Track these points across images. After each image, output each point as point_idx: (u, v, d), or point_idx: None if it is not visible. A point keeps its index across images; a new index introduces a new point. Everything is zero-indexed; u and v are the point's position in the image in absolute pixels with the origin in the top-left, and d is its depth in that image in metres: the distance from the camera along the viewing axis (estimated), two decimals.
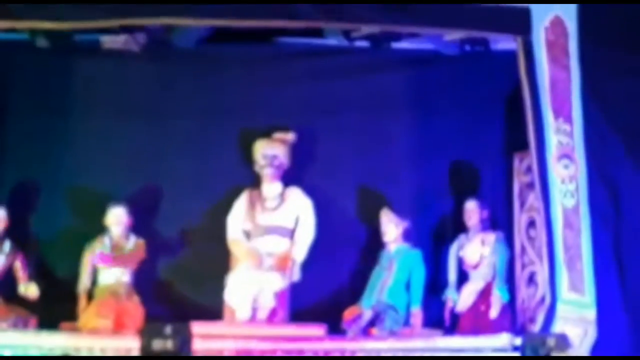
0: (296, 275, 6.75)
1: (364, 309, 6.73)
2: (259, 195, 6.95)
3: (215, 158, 7.11)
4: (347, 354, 6.21)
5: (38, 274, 6.79)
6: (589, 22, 6.64)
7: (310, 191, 7.02)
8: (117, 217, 6.77)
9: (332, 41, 7.18)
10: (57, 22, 6.41)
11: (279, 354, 6.06)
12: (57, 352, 5.74)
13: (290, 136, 7.02)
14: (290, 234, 6.91)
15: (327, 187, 7.15)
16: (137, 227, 6.83)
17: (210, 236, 7.00)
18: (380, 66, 7.28)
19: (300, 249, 6.82)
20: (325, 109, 7.25)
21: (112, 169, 7.02)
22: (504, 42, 6.84)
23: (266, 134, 7.01)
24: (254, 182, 7.01)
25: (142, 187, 7.00)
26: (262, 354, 5.81)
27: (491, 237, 6.83)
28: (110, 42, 6.98)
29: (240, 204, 6.96)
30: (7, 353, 6.06)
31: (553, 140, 6.55)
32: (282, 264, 6.80)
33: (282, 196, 6.95)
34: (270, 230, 6.87)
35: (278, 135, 7.01)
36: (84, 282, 6.73)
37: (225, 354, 5.98)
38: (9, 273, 6.73)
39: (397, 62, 7.25)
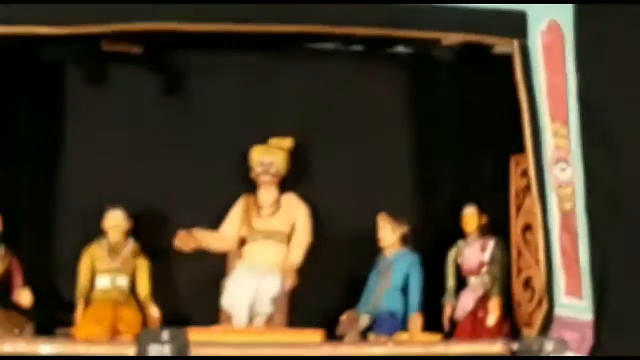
0: (292, 281, 6.73)
1: (361, 315, 6.72)
2: (255, 201, 6.95)
3: (213, 164, 7.10)
4: None
5: (34, 279, 6.77)
6: (586, 27, 6.65)
7: (306, 197, 7.02)
8: (115, 221, 6.74)
9: (327, 45, 7.17)
10: (54, 27, 6.39)
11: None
12: None
13: (288, 143, 7.02)
14: (287, 239, 6.90)
15: (324, 192, 7.15)
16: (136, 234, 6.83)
17: None
18: (376, 70, 7.27)
19: (297, 254, 6.81)
20: (321, 114, 7.25)
21: (110, 173, 7.00)
22: (500, 46, 6.84)
23: (263, 140, 7.00)
24: (251, 188, 6.99)
25: (142, 194, 6.99)
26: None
27: (490, 242, 6.82)
28: (110, 44, 6.97)
29: (237, 210, 6.95)
30: None
31: (550, 144, 6.56)
32: (280, 269, 6.79)
33: (278, 203, 6.95)
34: (267, 235, 6.86)
35: (275, 142, 7.00)
36: (81, 287, 6.71)
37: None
38: (4, 278, 6.70)
39: (393, 66, 7.24)
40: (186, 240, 6.68)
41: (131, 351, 5.62)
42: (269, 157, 6.94)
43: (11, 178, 6.90)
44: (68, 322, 6.63)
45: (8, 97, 6.94)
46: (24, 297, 6.59)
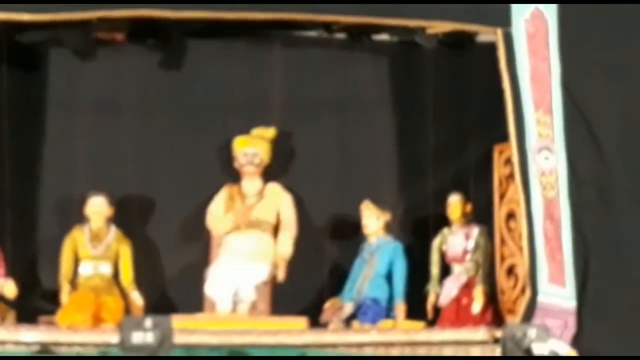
0: (283, 273, 6.71)
1: (345, 302, 6.72)
2: (239, 191, 6.94)
3: (195, 155, 7.07)
4: (328, 347, 6.19)
5: (16, 267, 6.73)
6: (569, 15, 6.66)
7: (290, 185, 7.01)
8: (97, 207, 6.70)
9: (311, 33, 7.16)
10: (36, 14, 6.35)
11: (260, 347, 6.03)
12: (35, 347, 5.68)
13: (271, 133, 7.00)
14: (271, 228, 6.89)
15: (307, 181, 7.14)
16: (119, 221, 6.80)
17: (190, 230, 6.96)
18: (360, 59, 7.26)
19: (286, 246, 6.79)
20: (304, 102, 7.24)
21: (94, 163, 6.97)
22: (484, 35, 6.84)
23: (246, 131, 6.98)
24: (235, 178, 6.98)
25: (124, 180, 6.96)
26: (243, 347, 5.78)
27: (475, 230, 6.83)
28: (95, 30, 6.93)
29: (220, 199, 6.93)
30: None
31: (533, 132, 6.57)
32: (263, 257, 6.77)
33: (261, 192, 6.94)
34: (251, 224, 6.84)
35: (258, 132, 6.99)
36: (64, 273, 6.66)
37: (206, 347, 5.94)
38: None
39: (377, 54, 7.24)
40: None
41: (114, 338, 5.58)
42: (253, 148, 6.93)
43: None
44: (50, 310, 6.59)
45: None
46: (8, 289, 6.53)
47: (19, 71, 6.98)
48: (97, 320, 6.47)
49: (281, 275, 6.71)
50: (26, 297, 6.69)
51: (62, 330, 6.23)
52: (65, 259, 6.69)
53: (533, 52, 6.61)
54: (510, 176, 6.71)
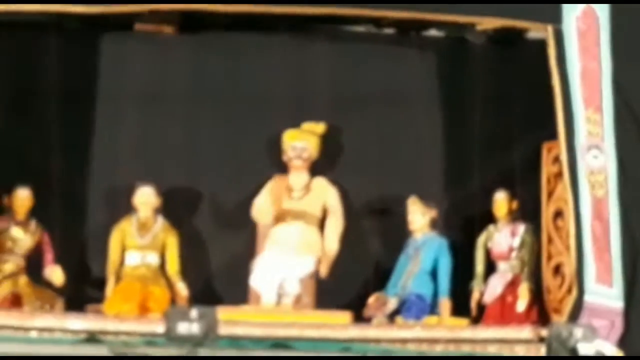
0: (327, 269, 6.72)
1: (389, 297, 6.72)
2: (286, 184, 6.95)
3: (243, 147, 7.10)
4: (371, 342, 6.18)
5: (64, 255, 6.81)
6: (621, 13, 6.59)
7: (337, 180, 7.01)
8: (145, 197, 6.75)
9: (359, 28, 7.15)
10: (87, 5, 6.41)
11: (303, 340, 6.05)
12: (83, 336, 5.75)
13: (321, 128, 7.01)
14: (317, 221, 6.90)
15: (353, 176, 7.14)
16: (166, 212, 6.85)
17: (237, 222, 6.99)
18: (408, 54, 7.24)
19: (333, 242, 6.78)
20: (351, 97, 7.23)
21: (142, 154, 7.03)
22: (534, 31, 6.79)
23: (292, 124, 6.99)
24: (282, 171, 6.99)
25: (172, 171, 7.01)
26: (286, 339, 5.80)
27: (521, 228, 6.79)
28: (142, 24, 6.99)
29: (267, 191, 6.96)
30: (32, 335, 6.08)
31: (583, 131, 6.51)
32: (308, 250, 6.79)
33: (308, 186, 6.95)
34: (297, 216, 6.86)
35: (308, 126, 7.00)
36: (111, 263, 6.72)
37: (250, 339, 5.96)
38: (35, 254, 6.74)
39: (425, 49, 7.21)
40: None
41: (160, 328, 5.63)
42: (302, 142, 6.94)
43: (42, 154, 6.94)
44: (98, 298, 6.67)
45: (37, 76, 6.97)
46: (56, 276, 6.63)
47: (69, 62, 7.06)
48: (143, 310, 6.52)
49: (324, 271, 6.72)
50: (74, 286, 6.77)
51: (109, 319, 6.29)
52: (113, 249, 6.75)
53: (584, 49, 6.55)
54: (559, 174, 6.66)
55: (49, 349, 5.12)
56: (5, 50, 6.81)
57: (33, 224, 6.73)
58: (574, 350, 5.74)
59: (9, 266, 6.63)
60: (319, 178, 6.99)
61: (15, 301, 6.55)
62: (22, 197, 6.69)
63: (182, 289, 6.70)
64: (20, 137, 6.91)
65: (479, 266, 6.84)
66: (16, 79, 6.86)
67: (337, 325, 6.36)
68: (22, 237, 6.68)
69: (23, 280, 6.63)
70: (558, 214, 6.71)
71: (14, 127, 6.87)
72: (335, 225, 6.85)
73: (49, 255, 6.71)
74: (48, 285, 6.69)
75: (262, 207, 6.91)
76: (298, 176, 6.95)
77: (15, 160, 6.85)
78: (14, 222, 6.69)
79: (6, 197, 6.71)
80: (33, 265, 6.71)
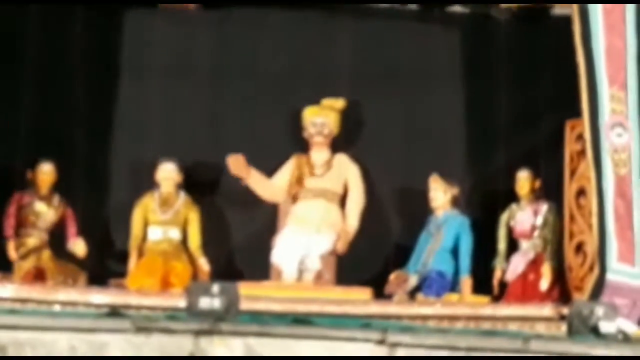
0: (345, 245, 6.72)
1: (410, 274, 6.72)
2: (307, 160, 6.96)
3: (265, 123, 7.10)
4: (392, 319, 6.19)
5: (87, 229, 6.85)
6: None
7: (357, 157, 7.00)
8: (167, 172, 6.77)
9: (382, 4, 7.11)
10: None
11: (324, 316, 6.06)
12: (105, 310, 5.80)
13: (340, 104, 7.00)
14: (338, 198, 6.91)
15: (375, 153, 7.13)
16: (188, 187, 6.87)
17: (258, 198, 7.00)
18: (431, 30, 7.20)
19: (354, 219, 6.79)
20: (376, 75, 7.21)
21: (165, 129, 7.05)
22: (559, 8, 6.72)
23: (315, 101, 6.99)
24: (304, 148, 7.00)
25: (195, 147, 7.02)
26: (307, 315, 5.82)
27: (543, 206, 6.76)
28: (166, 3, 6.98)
29: (288, 168, 6.97)
30: (56, 308, 6.14)
31: (607, 108, 6.45)
32: (330, 227, 6.80)
33: (329, 163, 6.95)
34: (318, 193, 6.87)
35: (328, 102, 6.99)
36: (134, 238, 6.76)
37: (271, 314, 5.99)
38: (58, 229, 6.79)
39: (449, 25, 7.17)
40: (237, 164, 6.68)
41: (181, 303, 5.67)
42: (322, 118, 6.94)
43: (66, 128, 6.98)
44: (121, 272, 6.72)
45: (63, 52, 6.99)
46: (79, 247, 6.69)
47: (94, 38, 7.08)
48: (165, 285, 6.57)
49: (341, 247, 6.72)
50: (97, 260, 6.83)
51: (132, 294, 6.35)
52: (135, 224, 6.79)
53: (609, 27, 6.47)
54: (582, 152, 6.61)
55: (71, 322, 5.16)
56: (32, 27, 6.83)
57: (56, 199, 6.78)
58: (595, 328, 5.71)
59: (33, 240, 6.69)
60: (340, 155, 6.99)
61: (39, 275, 6.61)
62: (46, 172, 6.73)
63: (204, 264, 6.74)
64: (44, 112, 6.94)
65: (501, 244, 6.83)
66: (42, 55, 6.89)
67: (357, 301, 6.38)
68: (46, 212, 6.73)
69: (46, 254, 6.69)
70: (581, 192, 6.67)
71: (39, 103, 6.90)
72: (357, 202, 6.86)
73: (72, 229, 6.76)
74: (71, 259, 6.74)
75: (282, 180, 6.90)
76: (319, 153, 6.96)
77: (39, 135, 6.89)
78: (37, 196, 6.75)
79: (30, 172, 6.76)
80: (56, 240, 6.77)
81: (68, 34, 7.00)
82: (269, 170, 7.01)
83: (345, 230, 6.77)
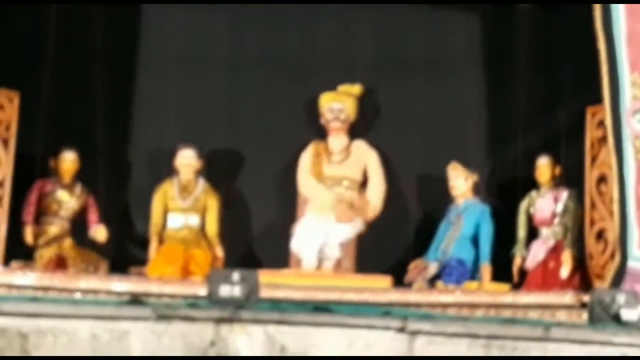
0: (362, 227, 6.72)
1: (430, 262, 6.71)
2: (325, 148, 6.96)
3: (283, 111, 7.10)
4: (412, 307, 6.19)
5: (108, 217, 6.87)
6: None
7: (377, 144, 6.99)
8: (186, 159, 6.78)
9: None
10: None
11: (344, 304, 6.07)
12: (126, 298, 5.82)
13: (357, 89, 6.99)
14: (357, 185, 6.90)
15: (394, 140, 7.12)
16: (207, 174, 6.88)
17: (278, 186, 7.01)
18: (451, 16, 7.16)
19: (376, 201, 6.77)
20: (392, 60, 7.19)
21: (184, 116, 7.07)
22: None
23: (334, 88, 6.98)
24: (321, 135, 6.99)
25: (214, 134, 7.04)
26: (327, 303, 5.83)
27: (564, 194, 6.73)
28: None
29: (307, 156, 6.96)
30: (77, 296, 6.17)
31: (628, 95, 6.40)
32: (349, 215, 6.79)
33: (348, 149, 6.94)
34: (337, 181, 6.87)
35: (344, 88, 6.98)
36: (154, 225, 6.78)
37: (291, 302, 6.00)
38: (80, 217, 6.82)
39: (467, 13, 7.13)
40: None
41: (202, 291, 5.69)
42: (339, 104, 6.93)
43: (87, 117, 7.00)
44: (141, 259, 6.74)
45: (82, 42, 7.01)
46: (100, 233, 6.71)
47: (113, 28, 7.09)
48: (185, 273, 6.59)
49: (359, 228, 6.63)
50: (118, 248, 6.86)
51: (152, 281, 6.37)
52: (155, 211, 6.80)
53: (631, 12, 6.42)
54: (603, 139, 6.57)
55: (92, 310, 5.19)
56: (50, 17, 6.85)
57: (79, 187, 6.81)
58: (616, 316, 5.68)
59: (55, 229, 6.72)
60: (358, 141, 6.98)
61: (60, 263, 6.65)
62: (69, 160, 6.76)
63: (219, 251, 6.74)
64: (66, 102, 6.97)
65: (521, 232, 6.80)
66: (61, 45, 6.91)
67: (377, 289, 6.38)
68: (68, 200, 6.76)
69: (68, 242, 6.72)
70: (602, 179, 6.63)
71: (60, 92, 6.93)
72: (378, 186, 6.83)
73: (93, 217, 6.79)
74: (92, 247, 6.77)
75: (304, 171, 6.89)
76: (337, 139, 6.95)
77: (61, 124, 6.92)
78: (59, 185, 6.77)
79: (53, 160, 6.79)
80: (78, 228, 6.80)
81: (88, 25, 7.01)
82: (287, 157, 7.01)
83: (369, 211, 6.70)
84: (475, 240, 6.73)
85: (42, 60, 6.83)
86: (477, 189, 6.84)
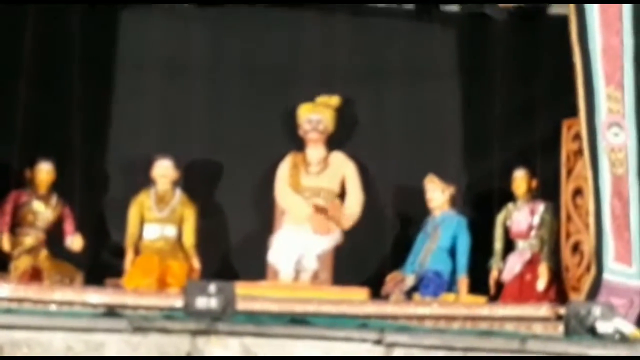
0: (340, 237, 6.72)
1: (407, 275, 6.72)
2: (303, 159, 6.96)
3: (261, 122, 7.10)
4: (389, 319, 6.20)
5: (84, 228, 6.83)
6: None
7: (354, 155, 7.00)
8: (163, 169, 6.75)
9: (379, 5, 7.11)
10: None
11: (321, 316, 6.06)
12: (102, 310, 5.79)
13: (335, 101, 7.01)
14: (335, 197, 6.90)
15: (372, 152, 7.13)
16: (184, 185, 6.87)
17: (255, 197, 7.01)
18: (428, 29, 7.20)
19: (354, 210, 6.77)
20: (370, 72, 7.22)
21: (161, 126, 7.05)
22: (555, 7, 6.72)
23: (312, 99, 6.99)
24: (299, 146, 7.00)
25: (191, 145, 7.03)
26: (304, 315, 5.82)
27: (540, 206, 6.76)
28: None
29: (284, 167, 6.96)
30: (52, 308, 6.13)
31: (603, 108, 6.45)
32: (327, 226, 6.79)
33: (326, 160, 6.95)
34: (315, 192, 6.87)
35: (322, 99, 6.99)
36: (130, 236, 6.75)
37: (268, 314, 5.99)
38: (55, 228, 6.78)
39: (445, 25, 7.17)
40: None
41: (178, 303, 5.66)
42: (317, 115, 6.95)
43: (62, 126, 6.96)
44: (117, 269, 6.71)
45: (58, 49, 6.98)
46: (76, 242, 6.68)
47: (90, 34, 7.06)
48: (162, 284, 6.56)
49: (337, 239, 6.64)
50: (94, 258, 6.82)
51: (128, 293, 6.34)
52: (132, 222, 6.77)
53: (606, 25, 6.47)
54: (579, 152, 6.62)
55: (68, 322, 5.16)
56: (27, 23, 6.81)
57: (54, 198, 6.77)
58: (592, 328, 5.71)
59: (30, 240, 6.67)
60: (336, 152, 6.99)
61: (35, 275, 6.60)
62: (44, 171, 6.72)
63: (195, 263, 6.72)
64: (41, 111, 6.93)
65: (498, 244, 6.83)
66: (39, 53, 6.88)
67: (354, 301, 6.38)
68: (43, 211, 6.72)
69: (43, 254, 6.68)
70: (577, 192, 6.67)
71: (36, 100, 6.89)
72: (356, 197, 6.83)
73: (69, 227, 6.74)
74: (68, 259, 6.73)
75: (282, 182, 6.88)
76: (315, 150, 6.96)
77: (35, 132, 6.88)
78: (35, 195, 6.73)
79: (28, 171, 6.75)
80: (53, 239, 6.76)
81: (65, 31, 6.98)
82: (265, 168, 7.00)
83: (346, 219, 6.70)
84: (452, 253, 6.75)
85: (19, 69, 6.79)
86: (454, 201, 6.87)
